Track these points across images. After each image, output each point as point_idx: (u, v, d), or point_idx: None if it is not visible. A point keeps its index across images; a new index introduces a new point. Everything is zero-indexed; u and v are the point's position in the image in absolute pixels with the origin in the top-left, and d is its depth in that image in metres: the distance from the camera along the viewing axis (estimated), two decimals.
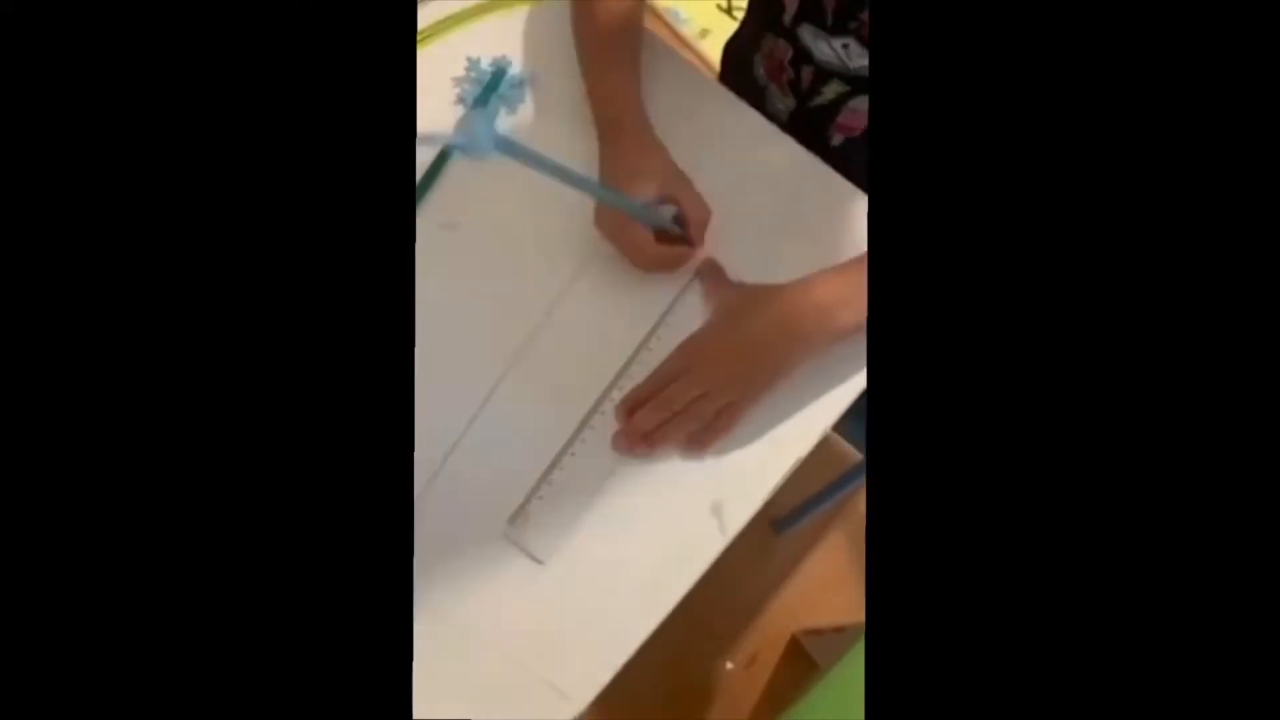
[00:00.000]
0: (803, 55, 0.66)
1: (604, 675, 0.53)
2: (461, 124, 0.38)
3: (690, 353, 0.55)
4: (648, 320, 0.59)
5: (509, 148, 0.39)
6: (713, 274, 0.58)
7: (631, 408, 0.55)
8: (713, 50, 1.50)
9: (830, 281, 0.54)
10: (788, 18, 0.65)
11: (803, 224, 0.60)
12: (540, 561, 0.55)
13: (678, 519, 0.55)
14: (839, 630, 1.11)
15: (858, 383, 0.57)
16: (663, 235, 0.57)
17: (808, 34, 0.63)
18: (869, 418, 0.26)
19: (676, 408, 0.54)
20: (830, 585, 1.22)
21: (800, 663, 1.18)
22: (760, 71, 0.72)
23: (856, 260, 0.55)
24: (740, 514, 0.55)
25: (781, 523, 1.18)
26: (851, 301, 0.53)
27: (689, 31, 1.51)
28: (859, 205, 0.61)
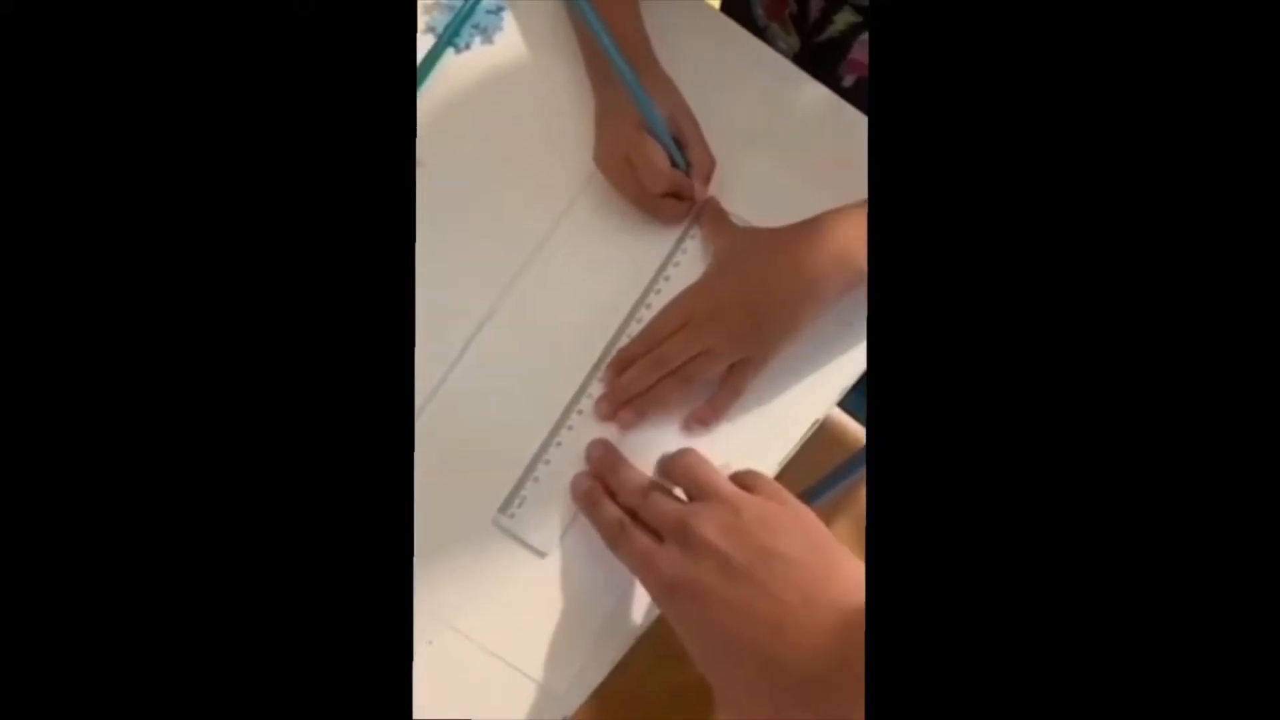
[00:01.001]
0: None
1: (595, 676, 0.47)
2: None
3: (689, 304, 0.47)
4: (642, 276, 0.51)
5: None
6: (714, 216, 0.51)
7: (621, 366, 0.48)
8: None
9: (844, 221, 0.46)
10: None
11: (816, 162, 0.53)
12: (542, 554, 0.47)
13: None
14: None
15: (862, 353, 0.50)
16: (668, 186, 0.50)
17: None
18: (869, 410, 0.25)
19: (672, 366, 0.46)
20: None
21: None
22: (759, 11, 0.66)
23: (839, 212, 0.48)
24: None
25: (811, 493, 1.12)
26: (850, 236, 0.46)
27: None
28: None
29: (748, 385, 0.48)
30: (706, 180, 0.50)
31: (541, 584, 0.48)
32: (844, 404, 0.51)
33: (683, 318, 0.46)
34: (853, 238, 0.45)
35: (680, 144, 0.49)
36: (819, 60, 0.63)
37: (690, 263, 0.51)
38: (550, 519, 0.48)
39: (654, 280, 0.51)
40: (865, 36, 0.60)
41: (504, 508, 0.48)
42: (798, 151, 0.54)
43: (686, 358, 0.46)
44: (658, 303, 0.50)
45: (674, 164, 0.49)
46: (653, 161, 0.48)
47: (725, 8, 0.73)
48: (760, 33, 0.66)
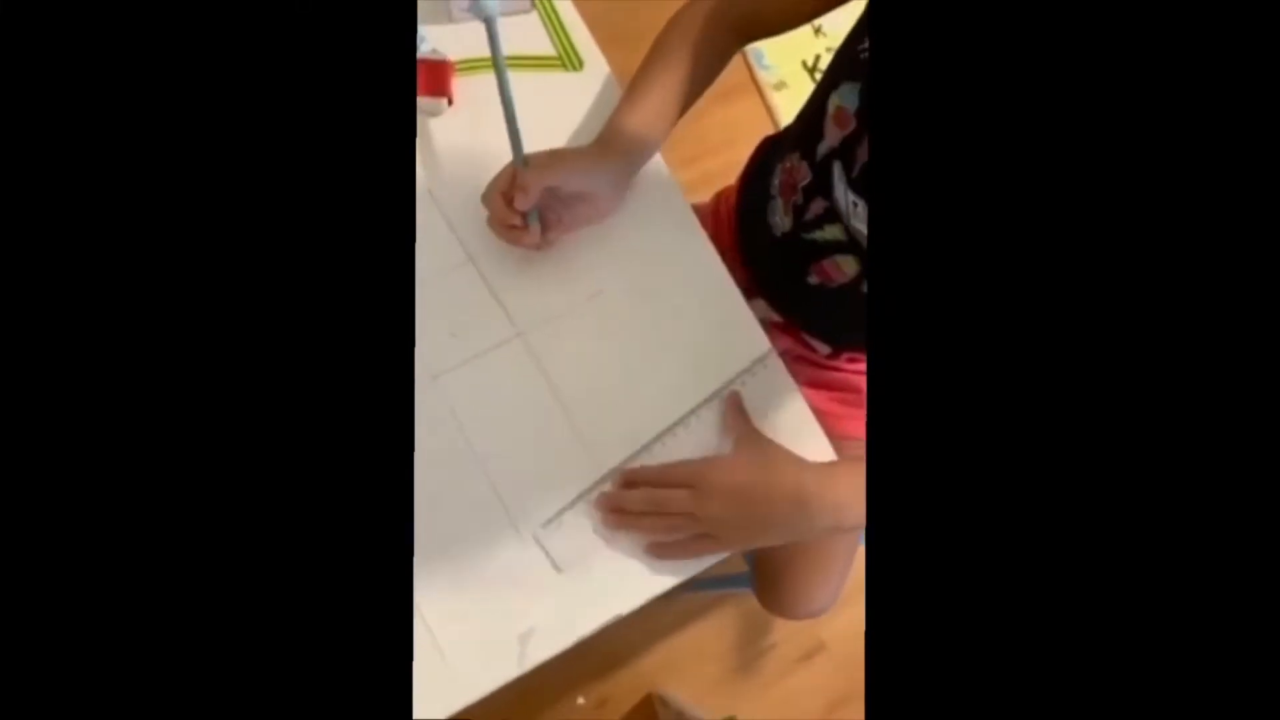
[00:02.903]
0: (821, 188, 0.65)
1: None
2: None
3: (703, 475, 0.56)
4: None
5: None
6: (736, 411, 0.60)
7: (629, 482, 0.57)
8: (785, 104, 1.51)
9: (851, 480, 0.55)
10: (823, 148, 0.64)
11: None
12: (560, 571, 0.56)
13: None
14: (680, 715, 1.11)
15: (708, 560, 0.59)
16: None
17: (837, 171, 0.63)
18: (869, 435, 0.26)
19: (664, 512, 0.55)
20: (702, 658, 1.23)
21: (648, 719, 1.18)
22: (775, 181, 0.72)
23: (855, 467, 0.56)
24: (543, 651, 0.55)
25: (700, 582, 1.19)
26: (861, 503, 0.54)
27: (767, 78, 1.53)
28: (794, 406, 0.63)
29: (703, 555, 0.57)
30: (518, 195, 0.57)
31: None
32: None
33: (693, 480, 0.55)
34: (851, 499, 0.55)
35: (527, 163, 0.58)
36: (798, 251, 0.70)
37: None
38: (582, 548, 0.57)
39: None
40: (839, 257, 0.67)
41: (546, 524, 0.57)
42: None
43: (679, 512, 0.55)
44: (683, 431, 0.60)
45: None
46: (495, 201, 0.57)
47: (757, 156, 0.78)
48: (768, 199, 0.72)
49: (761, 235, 0.74)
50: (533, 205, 0.56)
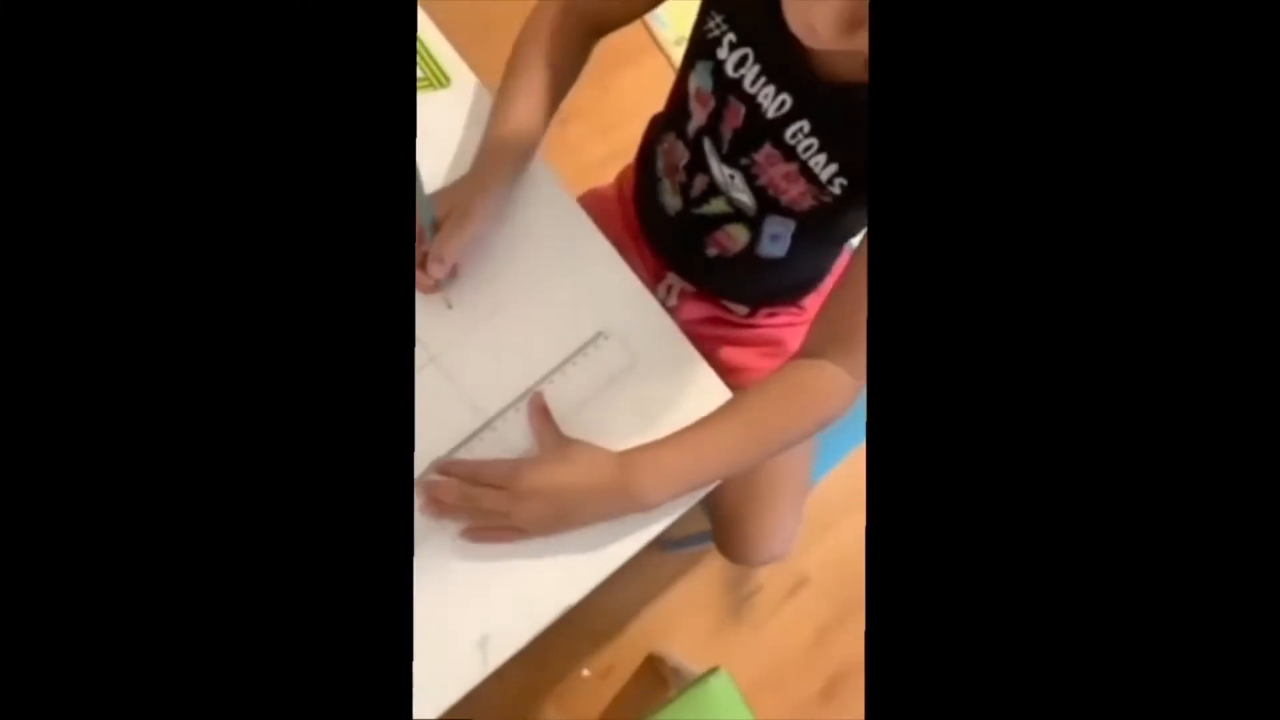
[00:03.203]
0: (699, 164, 0.67)
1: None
2: None
3: (511, 475, 0.58)
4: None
5: None
6: (539, 414, 0.62)
7: (444, 471, 0.60)
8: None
9: (650, 462, 0.59)
10: (691, 127, 0.66)
11: (637, 378, 0.64)
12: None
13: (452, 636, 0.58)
14: (677, 671, 1.16)
15: (642, 536, 0.61)
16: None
17: (709, 147, 0.65)
18: (869, 438, 0.26)
19: (479, 508, 0.59)
20: (693, 612, 1.28)
21: (654, 681, 1.23)
22: (659, 163, 0.74)
23: (678, 438, 0.59)
24: (504, 650, 0.58)
25: (668, 544, 1.23)
26: (665, 484, 0.58)
27: (667, 35, 1.53)
28: (699, 374, 0.65)
29: (514, 542, 0.60)
30: (433, 261, 0.60)
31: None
32: None
33: (506, 481, 0.58)
34: (652, 481, 0.58)
35: (437, 226, 0.60)
36: (693, 227, 0.72)
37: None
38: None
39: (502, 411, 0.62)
40: (730, 227, 0.70)
41: None
42: (626, 369, 0.64)
43: (491, 509, 0.58)
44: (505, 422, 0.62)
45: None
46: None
47: (645, 141, 0.80)
48: (656, 181, 0.74)
49: (658, 215, 0.76)
50: (446, 271, 0.59)
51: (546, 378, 0.63)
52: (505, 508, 0.58)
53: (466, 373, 0.62)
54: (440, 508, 0.59)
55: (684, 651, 1.24)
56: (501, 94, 0.66)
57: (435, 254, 0.59)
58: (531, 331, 0.64)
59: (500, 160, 0.63)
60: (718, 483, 0.61)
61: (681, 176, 0.70)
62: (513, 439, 0.62)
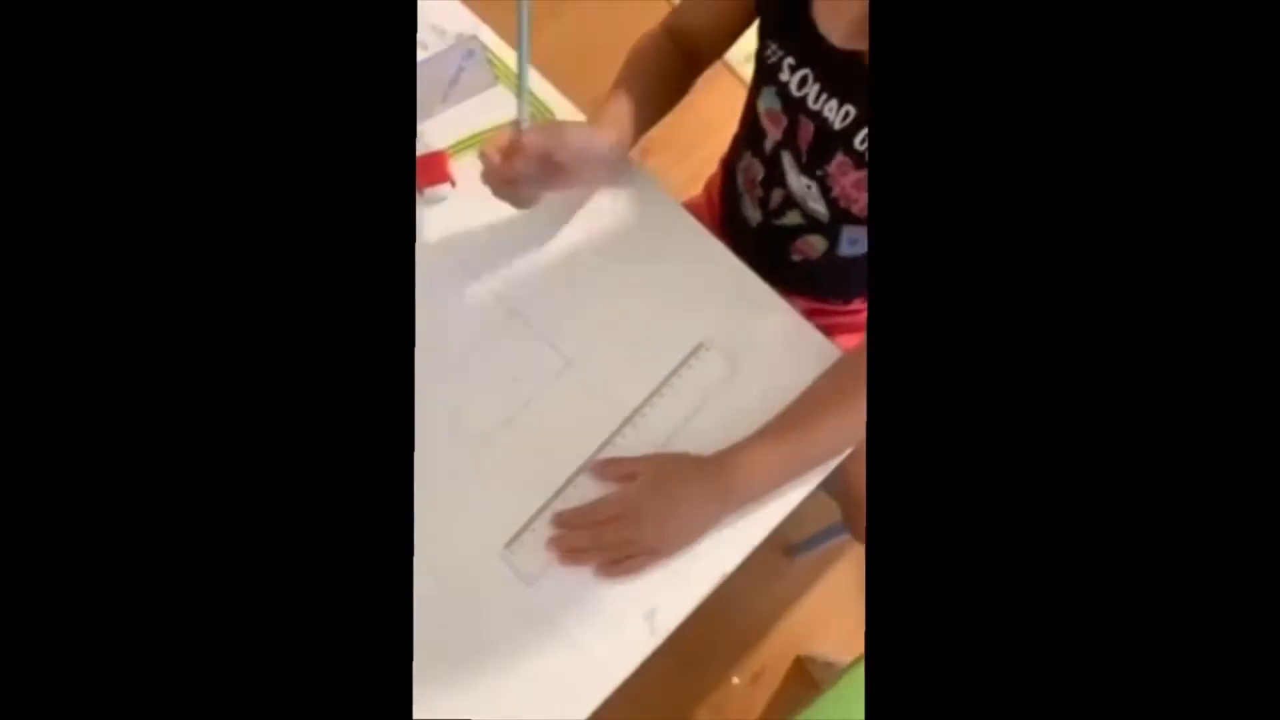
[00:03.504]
0: (776, 179, 0.71)
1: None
2: None
3: (625, 502, 0.63)
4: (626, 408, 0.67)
5: None
6: (610, 469, 0.65)
7: (565, 524, 0.64)
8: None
9: (744, 458, 0.62)
10: (768, 144, 0.70)
11: (768, 373, 0.68)
12: (529, 584, 0.63)
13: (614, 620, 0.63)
14: (829, 665, 1.16)
15: (790, 500, 0.64)
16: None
17: (787, 161, 0.69)
18: (869, 438, 0.27)
19: (602, 543, 0.63)
20: (836, 611, 1.27)
21: (804, 683, 1.23)
22: (739, 179, 0.78)
23: (772, 428, 0.63)
24: (670, 621, 0.63)
25: (794, 548, 1.25)
26: (762, 478, 0.62)
27: (733, 54, 1.56)
28: (818, 351, 0.68)
29: (649, 566, 0.64)
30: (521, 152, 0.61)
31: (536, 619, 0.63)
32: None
33: (619, 512, 0.63)
34: (759, 474, 0.63)
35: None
36: (775, 238, 0.76)
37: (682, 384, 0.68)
38: (544, 560, 0.64)
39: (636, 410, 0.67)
40: (809, 236, 0.74)
41: (509, 544, 0.64)
42: (751, 360, 0.68)
43: (618, 540, 0.63)
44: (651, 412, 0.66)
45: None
46: (503, 153, 0.61)
47: (724, 164, 0.84)
48: (738, 196, 0.78)
49: (742, 227, 0.80)
50: (530, 166, 0.61)
51: (685, 362, 0.67)
52: (631, 535, 0.62)
53: (601, 371, 0.67)
54: (576, 555, 0.63)
55: (832, 650, 1.24)
56: (607, 100, 0.70)
57: (522, 144, 0.59)
58: (655, 328, 0.68)
59: (611, 122, 0.66)
60: (832, 461, 0.64)
61: (759, 191, 0.75)
62: (660, 428, 0.66)
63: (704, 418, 0.66)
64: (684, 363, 0.67)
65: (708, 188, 0.92)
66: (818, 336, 0.69)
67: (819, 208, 0.69)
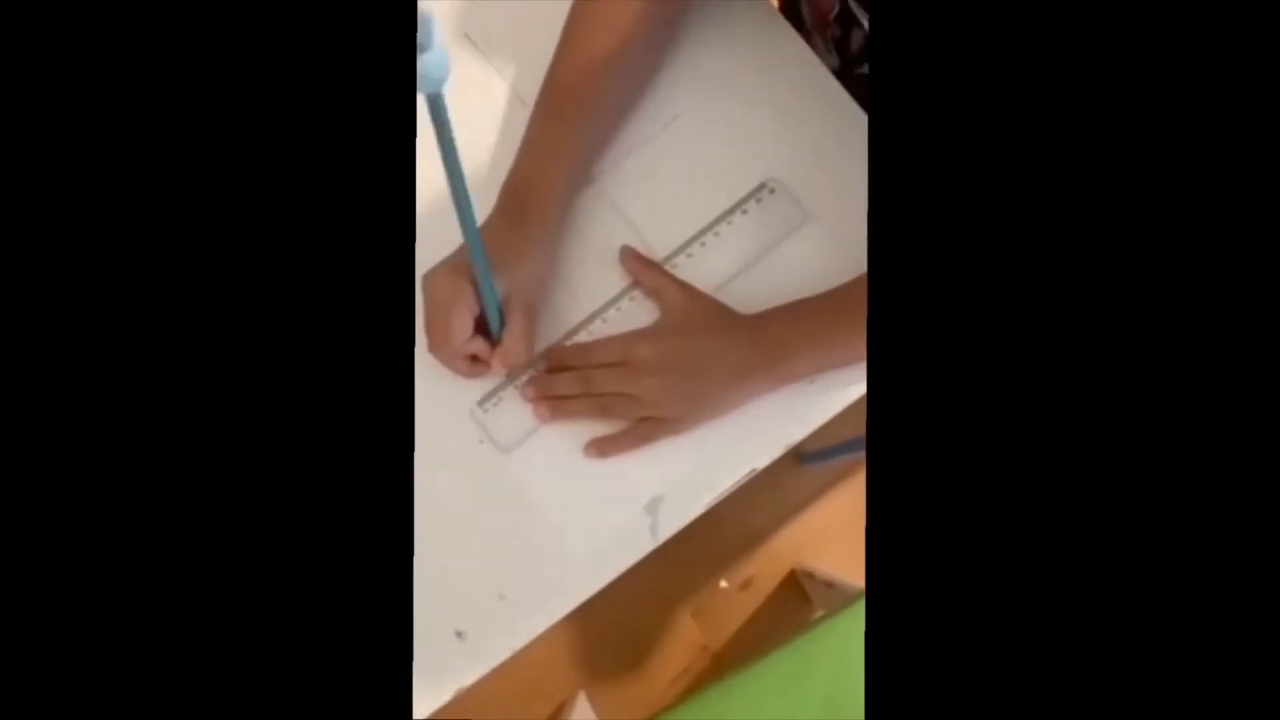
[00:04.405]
0: (851, 16, 0.56)
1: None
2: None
3: (634, 346, 0.49)
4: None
5: (436, 107, 0.31)
6: (657, 277, 0.51)
7: (553, 365, 0.51)
8: None
9: (791, 323, 0.49)
10: None
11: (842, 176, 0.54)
12: (504, 451, 0.52)
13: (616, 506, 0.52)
14: (830, 585, 1.09)
15: (849, 394, 0.52)
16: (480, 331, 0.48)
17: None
18: (869, 409, 0.25)
19: (594, 392, 0.49)
20: (841, 529, 1.20)
21: (795, 596, 1.18)
22: (806, 17, 0.63)
23: (824, 296, 0.49)
24: (674, 521, 0.51)
25: (807, 457, 1.16)
26: (807, 346, 0.48)
27: None
28: None
29: (656, 440, 0.50)
30: (504, 365, 0.49)
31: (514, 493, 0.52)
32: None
33: (623, 356, 0.49)
34: (795, 345, 0.48)
35: (503, 323, 0.48)
36: (855, 89, 0.62)
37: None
38: (521, 428, 0.53)
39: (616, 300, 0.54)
40: None
41: (482, 402, 0.53)
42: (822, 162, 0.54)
43: (611, 391, 0.49)
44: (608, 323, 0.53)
45: (486, 332, 0.49)
46: (452, 329, 0.46)
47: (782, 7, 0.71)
48: (808, 36, 0.63)
49: None
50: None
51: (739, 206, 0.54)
52: (625, 387, 0.49)
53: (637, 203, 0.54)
54: (559, 406, 0.50)
55: (832, 569, 1.17)
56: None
57: (506, 355, 0.48)
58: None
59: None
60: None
61: (834, 30, 0.60)
62: (702, 281, 0.53)
63: (759, 272, 0.52)
64: (740, 204, 0.54)
65: None
66: None
67: None
